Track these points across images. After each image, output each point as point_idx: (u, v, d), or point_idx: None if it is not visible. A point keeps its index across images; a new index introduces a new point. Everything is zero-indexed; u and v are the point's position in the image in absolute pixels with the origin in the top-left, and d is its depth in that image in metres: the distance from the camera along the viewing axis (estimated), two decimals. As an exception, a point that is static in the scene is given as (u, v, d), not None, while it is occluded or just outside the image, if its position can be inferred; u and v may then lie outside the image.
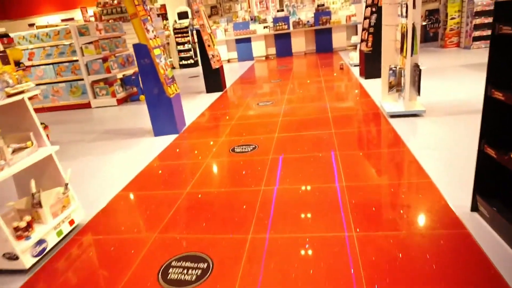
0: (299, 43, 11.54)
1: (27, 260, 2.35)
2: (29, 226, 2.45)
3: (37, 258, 2.43)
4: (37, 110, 7.71)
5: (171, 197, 3.19)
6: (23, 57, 7.36)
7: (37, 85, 7.64)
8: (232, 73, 9.85)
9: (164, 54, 4.91)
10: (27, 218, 2.45)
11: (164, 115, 4.89)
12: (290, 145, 3.99)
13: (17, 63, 5.01)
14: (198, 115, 5.83)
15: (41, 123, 5.30)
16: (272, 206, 2.80)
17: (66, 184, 2.77)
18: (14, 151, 2.50)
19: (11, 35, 7.31)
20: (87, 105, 7.61)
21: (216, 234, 2.54)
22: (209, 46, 7.07)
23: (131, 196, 3.32)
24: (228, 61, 12.24)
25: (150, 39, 4.57)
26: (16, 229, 2.37)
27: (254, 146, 4.10)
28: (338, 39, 11.29)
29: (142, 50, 4.55)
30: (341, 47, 11.45)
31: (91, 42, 7.11)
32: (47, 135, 5.46)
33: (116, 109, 7.23)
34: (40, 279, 2.34)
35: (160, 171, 3.84)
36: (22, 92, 2.42)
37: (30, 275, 2.37)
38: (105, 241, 2.65)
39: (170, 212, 2.91)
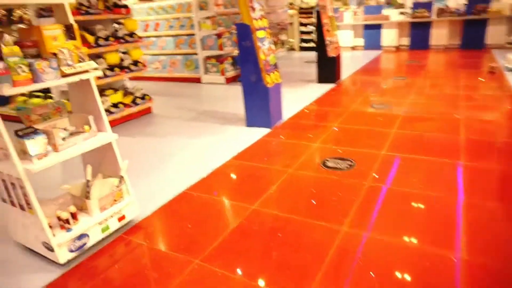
0: (440, 35, 9.68)
1: (62, 255, 2.16)
2: (73, 217, 2.25)
3: (75, 254, 2.23)
4: (154, 79, 8.12)
5: (235, 210, 2.71)
6: (150, 27, 7.73)
7: (158, 55, 8.00)
8: (352, 62, 8.81)
9: (269, 37, 4.36)
10: (72, 208, 2.25)
11: (259, 105, 4.40)
12: (399, 172, 3.08)
13: (130, 34, 5.10)
14: (299, 109, 5.18)
15: (146, 95, 5.39)
16: (352, 262, 2.07)
17: (121, 177, 2.50)
18: (72, 134, 2.30)
19: (143, 5, 7.71)
20: (198, 80, 7.66)
21: (257, 281, 1.96)
22: (328, 31, 6.25)
23: (194, 198, 2.95)
24: (353, 48, 11.10)
25: (255, 19, 4.06)
26: (58, 218, 2.18)
27: (350, 163, 3.31)
28: (495, 33, 9.07)
29: (243, 31, 4.08)
30: (496, 44, 9.20)
31: (208, 17, 7.01)
32: (150, 107, 5.57)
33: (223, 88, 7.08)
34: (72, 277, 2.13)
35: (234, 174, 3.39)
36: (81, 72, 2.16)
37: (64, 270, 2.18)
38: (152, 247, 2.32)
39: (225, 233, 2.42)
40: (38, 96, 5.36)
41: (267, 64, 4.27)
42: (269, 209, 2.68)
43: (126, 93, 5.29)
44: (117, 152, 2.49)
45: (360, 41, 10.95)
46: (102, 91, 5.00)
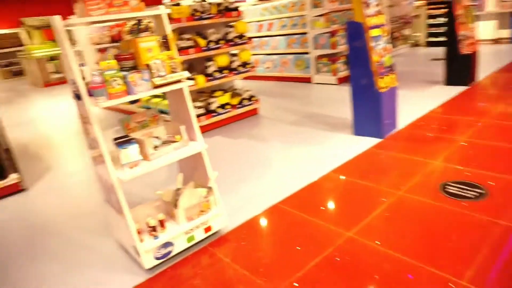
0: None
1: (148, 261, 2.20)
2: (161, 224, 2.28)
3: (159, 261, 2.25)
4: (265, 78, 8.18)
5: (327, 235, 2.40)
6: (264, 28, 7.78)
7: (270, 54, 8.02)
8: (494, 58, 7.36)
9: (385, 36, 3.84)
10: (160, 216, 2.28)
11: (369, 112, 3.93)
12: (550, 211, 2.32)
13: (240, 36, 5.14)
14: (419, 116, 4.49)
15: (253, 96, 5.39)
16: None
17: (210, 188, 2.44)
18: (164, 142, 2.32)
19: (257, 6, 7.79)
20: (308, 80, 7.41)
21: None
22: (462, 23, 5.27)
23: (285, 213, 2.74)
24: (496, 41, 9.31)
25: (368, 16, 3.60)
26: (147, 224, 2.23)
27: (481, 191, 2.65)
28: None
29: (354, 30, 3.66)
30: None
31: (322, 15, 6.66)
32: (256, 109, 5.56)
33: (333, 89, 6.69)
34: (156, 283, 2.16)
35: (332, 190, 3.06)
36: (171, 83, 2.14)
37: (149, 275, 2.22)
38: (234, 263, 2.21)
39: (311, 262, 2.15)
40: (158, 96, 5.87)
41: (381, 67, 3.76)
42: (368, 239, 2.29)
43: (234, 94, 5.38)
44: (207, 162, 2.44)
45: (506, 33, 9.11)
46: (212, 92, 5.18)
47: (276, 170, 3.51)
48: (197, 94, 5.25)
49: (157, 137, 2.30)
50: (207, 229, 2.45)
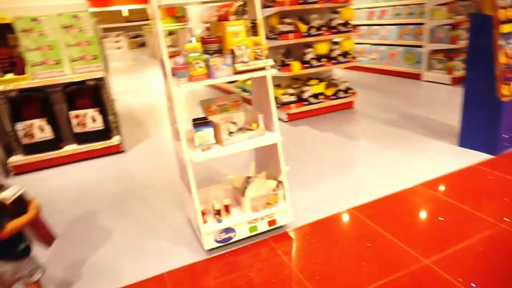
0: None
1: (208, 242, 2.25)
2: (226, 209, 2.30)
3: (219, 245, 2.29)
4: (368, 70, 7.64)
5: (397, 256, 2.14)
6: (375, 15, 7.23)
7: (378, 45, 7.44)
8: None
9: (520, 33, 3.17)
10: (226, 201, 2.29)
11: (483, 122, 3.36)
12: None
13: (345, 24, 4.82)
14: (550, 134, 3.68)
15: (350, 89, 5.07)
16: None
17: (279, 182, 2.36)
18: (240, 129, 2.30)
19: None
20: (417, 76, 6.69)
21: None
22: None
23: (357, 221, 2.52)
24: None
25: (503, 7, 3.00)
26: (213, 207, 2.27)
27: None
28: None
29: (480, 23, 3.10)
30: None
31: (445, 4, 5.86)
32: (352, 102, 5.22)
33: (445, 90, 5.92)
34: (212, 265, 2.20)
35: (417, 205, 2.71)
36: (254, 70, 2.07)
37: (207, 256, 2.27)
38: (291, 262, 2.13)
39: (372, 284, 1.94)
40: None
41: (509, 71, 3.14)
42: (449, 273, 1.97)
43: (330, 84, 5.13)
44: (280, 155, 2.36)
45: None
46: (307, 80, 5.02)
47: (359, 171, 3.25)
48: (291, 81, 5.16)
49: (234, 123, 2.29)
50: (271, 222, 2.39)
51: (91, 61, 3.86)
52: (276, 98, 4.96)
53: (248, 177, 2.42)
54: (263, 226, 2.38)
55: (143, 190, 3.26)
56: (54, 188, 3.50)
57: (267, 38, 4.83)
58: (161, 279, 2.10)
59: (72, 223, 2.81)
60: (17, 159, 3.84)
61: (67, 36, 3.73)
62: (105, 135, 4.11)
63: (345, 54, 4.98)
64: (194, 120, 2.21)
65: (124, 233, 2.60)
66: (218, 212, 2.25)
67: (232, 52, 2.02)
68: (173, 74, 1.99)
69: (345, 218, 2.58)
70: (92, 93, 4.00)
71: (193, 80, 1.96)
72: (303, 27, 4.59)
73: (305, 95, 4.85)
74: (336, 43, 5.03)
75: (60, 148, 3.98)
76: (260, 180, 2.39)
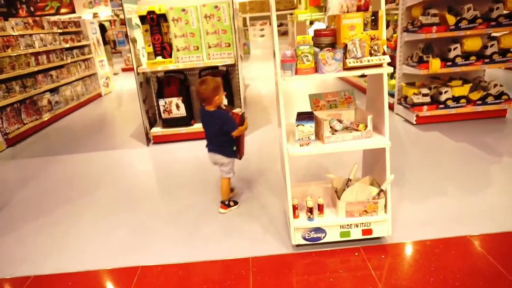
0: None
1: (296, 238, 2.24)
2: (319, 208, 2.23)
3: (307, 242, 2.25)
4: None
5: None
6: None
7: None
8: None
9: None
10: (320, 200, 2.23)
11: None
12: None
13: (509, 15, 3.99)
14: None
15: (504, 94, 4.24)
16: None
17: (381, 190, 2.16)
18: (346, 128, 2.18)
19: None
20: None
21: None
22: None
23: (470, 249, 2.12)
24: None
25: None
26: (306, 204, 2.23)
27: None
28: None
29: None
30: None
31: None
32: (505, 110, 4.36)
33: None
34: (297, 261, 2.19)
35: None
36: (366, 67, 1.91)
37: (293, 251, 2.26)
38: (381, 281, 1.96)
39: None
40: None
41: None
42: None
43: (477, 87, 4.38)
44: (387, 161, 2.14)
45: None
46: (449, 80, 4.40)
47: (489, 195, 2.72)
48: (429, 80, 4.60)
49: (340, 121, 2.18)
50: (366, 231, 2.22)
51: (225, 48, 4.19)
52: (406, 97, 4.52)
53: (349, 180, 2.29)
54: (356, 234, 2.23)
55: (250, 174, 3.42)
56: (180, 158, 3.99)
57: (407, 31, 4.40)
58: (246, 263, 2.19)
59: (190, 190, 3.16)
60: (157, 130, 4.50)
61: (207, 24, 4.12)
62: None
63: (504, 52, 4.15)
64: (299, 113, 2.19)
65: (227, 213, 2.79)
66: (310, 210, 2.20)
67: (345, 46, 1.90)
68: (281, 67, 2.00)
69: (459, 245, 2.20)
70: (222, 78, 4.34)
71: (300, 73, 1.93)
72: (451, 19, 4.00)
73: (443, 97, 4.26)
74: (493, 38, 4.23)
75: (191, 125, 4.48)
76: (360, 185, 2.23)
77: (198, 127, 4.45)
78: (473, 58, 4.11)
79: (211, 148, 2.65)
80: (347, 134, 2.12)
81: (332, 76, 1.93)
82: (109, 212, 2.95)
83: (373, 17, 1.97)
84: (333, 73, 1.91)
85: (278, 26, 18.73)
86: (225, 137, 2.57)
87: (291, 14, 15.62)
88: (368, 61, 1.89)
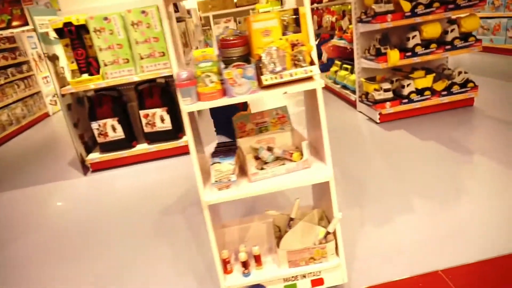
0: None
1: (232, 299, 1.78)
2: (256, 260, 1.79)
3: (246, 304, 1.80)
4: (505, 52, 5.99)
5: None
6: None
7: (520, 19, 5.72)
8: None
9: None
10: (255, 250, 1.78)
11: None
12: None
13: (465, 36, 3.66)
14: None
15: (468, 81, 3.91)
16: None
17: (328, 233, 1.73)
18: (278, 158, 1.73)
19: None
20: None
21: None
22: None
23: (449, 297, 1.73)
24: None
25: None
26: (239, 258, 1.78)
27: None
28: None
29: None
30: None
31: None
32: (472, 99, 4.03)
33: None
34: (235, 330, 1.74)
35: (561, 281, 1.74)
36: (289, 82, 1.46)
37: (234, 315, 1.81)
38: None
39: None
40: (346, 69, 5.09)
41: None
42: None
43: (441, 76, 4.04)
44: (333, 198, 1.71)
45: None
46: (412, 71, 4.03)
47: (465, 207, 2.34)
48: (391, 72, 4.23)
49: (271, 149, 1.73)
50: (317, 282, 1.80)
51: (159, 58, 3.67)
52: (367, 94, 4.14)
53: (291, 219, 1.85)
54: (304, 286, 1.80)
55: (190, 205, 2.95)
56: (120, 188, 3.48)
57: (361, 21, 4.00)
58: None
59: (137, 221, 2.66)
60: (95, 156, 3.96)
61: (135, 33, 3.60)
62: (174, 135, 3.94)
63: (465, 36, 3.81)
64: (218, 145, 1.74)
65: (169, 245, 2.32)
66: (244, 264, 1.76)
67: (259, 58, 1.45)
68: (178, 92, 1.53)
69: (430, 283, 1.81)
70: (161, 92, 3.84)
71: (203, 99, 1.46)
72: (406, 5, 3.62)
73: (405, 91, 3.89)
74: (453, 22, 3.88)
75: (133, 146, 3.97)
76: (304, 225, 1.80)
77: (141, 148, 3.94)
78: (433, 46, 3.76)
79: (219, 132, 3.20)
80: (279, 167, 1.67)
81: (246, 99, 1.47)
82: (21, 273, 2.43)
83: (295, 17, 1.52)
84: (246, 95, 1.45)
85: (242, 22, 18.04)
86: (230, 121, 2.47)
87: (253, 9, 15.11)
88: (291, 75, 1.45)
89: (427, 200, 2.48)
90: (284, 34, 1.50)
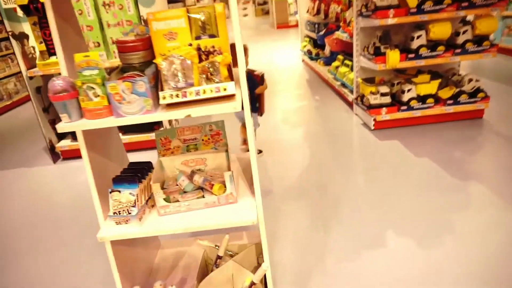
0: None
1: None
2: (171, 304, 1.50)
3: None
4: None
5: None
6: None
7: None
8: None
9: None
10: (170, 294, 1.48)
11: None
12: None
13: (480, 39, 3.17)
14: None
15: (479, 91, 3.45)
16: None
17: (252, 283, 1.41)
18: (199, 188, 1.41)
19: None
20: None
21: None
22: None
23: None
24: None
25: None
26: (153, 297, 1.50)
27: None
28: None
29: None
30: None
31: None
32: (482, 111, 3.56)
33: None
34: None
35: None
36: (195, 102, 1.12)
37: None
38: None
39: None
40: (347, 65, 4.64)
41: None
42: None
43: (448, 83, 3.58)
44: (264, 243, 1.39)
45: None
46: (416, 74, 3.59)
47: (445, 251, 1.97)
48: (393, 74, 3.80)
49: (193, 174, 1.42)
50: (242, 336, 1.49)
51: (133, 43, 3.35)
52: (363, 97, 3.73)
53: (218, 257, 1.55)
54: None
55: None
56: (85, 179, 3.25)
57: (361, 15, 3.56)
58: None
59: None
60: (65, 143, 3.74)
61: (107, 14, 3.28)
62: (150, 127, 3.66)
63: (479, 40, 3.33)
64: (128, 166, 1.43)
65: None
66: (156, 309, 1.47)
67: (156, 68, 1.11)
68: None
69: None
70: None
71: (88, 116, 1.15)
72: (412, 0, 3.16)
73: (405, 97, 3.47)
74: (466, 23, 3.40)
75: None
76: (233, 266, 1.49)
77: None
78: (441, 48, 3.30)
79: None
80: (196, 200, 1.35)
81: (139, 121, 1.14)
82: None
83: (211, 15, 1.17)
84: (137, 116, 1.12)
85: (261, 4, 17.48)
86: (248, 95, 2.74)
87: (271, -10, 14.48)
88: (197, 93, 1.11)
89: (404, 234, 2.12)
90: (198, 37, 1.16)
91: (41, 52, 3.47)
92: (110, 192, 1.30)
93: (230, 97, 1.15)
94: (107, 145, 1.46)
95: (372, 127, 3.59)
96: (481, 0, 3.14)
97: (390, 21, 3.19)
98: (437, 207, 2.34)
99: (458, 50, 3.31)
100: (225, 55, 1.13)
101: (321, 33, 5.66)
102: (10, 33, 3.35)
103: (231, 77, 1.15)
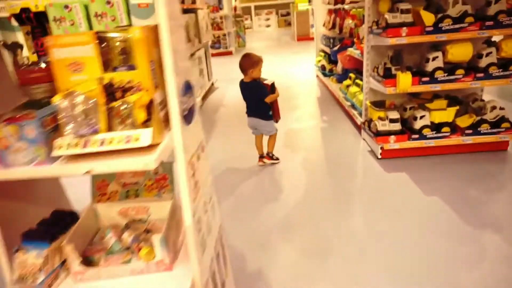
0: None
1: None
2: None
3: None
4: None
5: None
6: None
7: None
8: None
9: None
10: None
11: None
12: None
13: (506, 62, 2.79)
14: None
15: (505, 121, 3.06)
16: None
17: None
18: (128, 248, 1.15)
19: None
20: None
21: None
22: None
23: None
24: None
25: None
26: None
27: None
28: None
29: None
30: None
31: None
32: (507, 142, 3.17)
33: None
34: None
35: None
36: (105, 153, 0.87)
37: None
38: None
39: None
40: (358, 84, 4.31)
41: None
42: None
43: (468, 110, 3.21)
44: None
45: None
46: (431, 99, 3.24)
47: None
48: (406, 97, 3.46)
49: (138, 221, 1.16)
50: None
51: (124, 57, 3.18)
52: (370, 122, 3.40)
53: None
54: None
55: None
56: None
57: (372, 32, 3.27)
58: None
59: None
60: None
61: (99, 26, 3.12)
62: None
63: (505, 63, 2.96)
64: (50, 215, 1.20)
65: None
66: None
67: (57, 109, 0.87)
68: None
69: None
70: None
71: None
72: (428, 17, 2.84)
73: (417, 125, 3.12)
74: (491, 43, 3.04)
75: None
76: None
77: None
78: (460, 71, 2.95)
79: (251, 113, 3.14)
80: (120, 266, 1.10)
81: (30, 175, 0.90)
82: None
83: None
84: (28, 167, 0.88)
85: (284, 15, 17.37)
86: (261, 104, 3.04)
87: (293, 2, 14.30)
88: (102, 142, 0.86)
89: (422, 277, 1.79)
90: (114, 69, 0.91)
91: (33, 62, 3.35)
92: (15, 252, 1.06)
93: (150, 147, 0.89)
94: (29, 186, 1.24)
95: (379, 156, 3.25)
96: (508, 19, 2.78)
97: (402, 40, 2.88)
98: (442, 259, 1.99)
99: (481, 75, 2.95)
100: (142, 92, 0.87)
101: (335, 48, 5.36)
102: (1, 43, 3.25)
103: (154, 118, 0.89)
